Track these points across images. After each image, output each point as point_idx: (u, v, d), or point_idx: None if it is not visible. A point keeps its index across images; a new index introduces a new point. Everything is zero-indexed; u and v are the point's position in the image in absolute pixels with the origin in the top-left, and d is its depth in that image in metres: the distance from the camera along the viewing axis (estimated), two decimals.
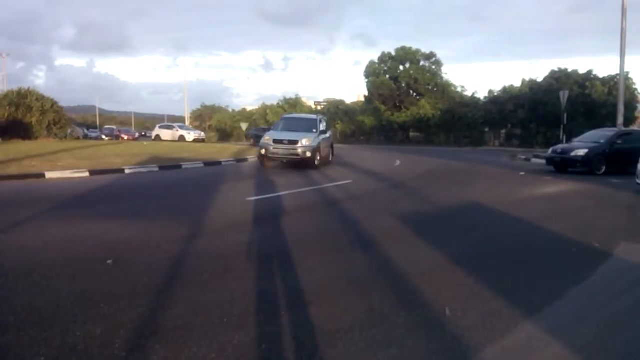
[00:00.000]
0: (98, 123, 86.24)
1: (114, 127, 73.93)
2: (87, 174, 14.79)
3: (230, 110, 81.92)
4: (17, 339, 3.61)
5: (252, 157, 23.67)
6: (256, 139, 37.42)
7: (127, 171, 16.16)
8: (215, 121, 76.11)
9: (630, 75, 41.76)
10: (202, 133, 49.54)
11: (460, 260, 5.97)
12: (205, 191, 11.99)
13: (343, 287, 4.97)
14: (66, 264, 5.52)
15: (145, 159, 20.14)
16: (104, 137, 61.66)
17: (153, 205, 10.20)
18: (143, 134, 70.89)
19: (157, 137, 47.19)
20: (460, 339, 3.77)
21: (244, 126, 59.88)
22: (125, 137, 58.78)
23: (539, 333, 3.93)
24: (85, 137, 56.73)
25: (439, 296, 4.70)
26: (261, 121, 68.14)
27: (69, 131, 43.49)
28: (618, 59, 23.71)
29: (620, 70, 24.15)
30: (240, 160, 22.40)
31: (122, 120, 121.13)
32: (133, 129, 78.34)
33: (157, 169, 17.41)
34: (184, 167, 18.60)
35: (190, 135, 46.02)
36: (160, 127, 49.99)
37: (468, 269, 5.63)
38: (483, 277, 5.32)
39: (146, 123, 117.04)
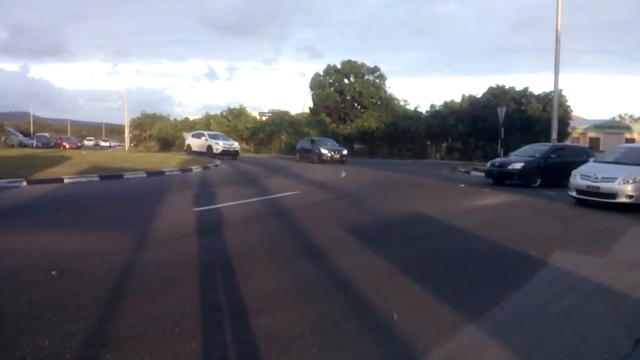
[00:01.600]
0: (32, 130, 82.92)
1: (47, 134, 70.86)
2: (24, 183, 14.30)
3: (172, 119, 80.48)
4: None
5: (196, 168, 23.43)
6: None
7: (66, 181, 15.70)
8: (156, 130, 74.56)
9: (563, 93, 43.92)
10: (235, 143, 40.37)
11: (406, 269, 6.17)
12: (150, 201, 11.81)
13: (294, 296, 5.05)
14: (8, 276, 5.37)
15: (86, 168, 19.61)
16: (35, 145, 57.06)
17: (98, 215, 9.97)
18: (81, 143, 68.86)
19: (189, 147, 39.16)
20: (408, 343, 3.93)
21: (186, 135, 59.00)
22: (67, 145, 55.44)
23: (481, 336, 4.14)
24: (21, 144, 54.41)
25: (386, 303, 4.85)
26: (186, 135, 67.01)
27: (3, 138, 41.75)
28: (552, 76, 24.92)
29: (555, 89, 25.33)
30: (184, 170, 22.11)
31: (58, 127, 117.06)
32: (69, 135, 75.66)
33: (97, 178, 16.98)
34: (125, 177, 18.22)
35: (218, 146, 36.62)
36: (193, 136, 40.58)
37: (413, 276, 5.83)
38: (428, 284, 5.52)
39: (83, 131, 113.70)
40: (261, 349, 3.75)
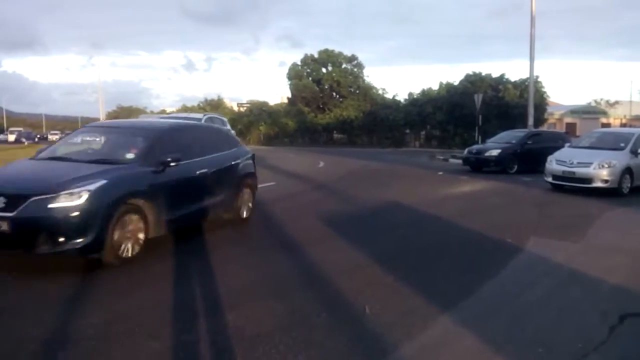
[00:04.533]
0: (5, 125, 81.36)
1: (21, 129, 69.78)
2: None
3: (149, 111, 79.52)
4: None
5: None
6: None
7: None
8: None
9: (539, 79, 44.18)
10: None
11: (381, 259, 6.07)
12: None
13: (264, 291, 4.92)
14: None
15: None
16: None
17: None
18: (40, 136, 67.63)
19: None
20: (380, 337, 3.83)
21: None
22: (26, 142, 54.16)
23: (455, 327, 4.05)
24: None
25: (359, 295, 4.74)
26: None
27: None
28: (528, 63, 25.00)
29: (530, 75, 25.42)
30: None
31: (32, 122, 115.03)
32: (44, 131, 74.41)
33: None
34: None
35: None
36: None
37: (388, 267, 5.73)
38: (402, 275, 5.42)
39: (58, 125, 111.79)
40: (228, 347, 3.62)
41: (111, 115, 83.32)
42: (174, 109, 74.33)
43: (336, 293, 4.87)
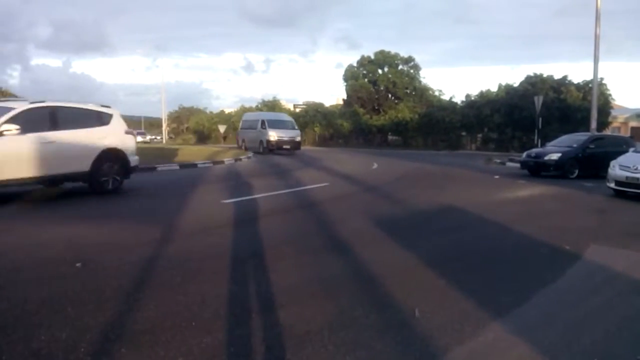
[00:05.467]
0: None
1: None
2: None
3: (209, 112, 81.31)
4: None
5: (228, 159, 23.58)
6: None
7: None
8: (193, 123, 75.52)
9: (604, 81, 42.57)
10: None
11: (433, 263, 6.01)
12: (180, 193, 11.88)
13: (315, 290, 4.96)
14: (34, 267, 5.43)
15: None
16: None
17: (126, 207, 10.08)
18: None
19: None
20: (429, 341, 3.80)
21: (221, 128, 59.52)
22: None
23: (506, 334, 3.97)
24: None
25: (409, 298, 4.72)
26: (239, 123, 67.68)
27: None
28: (592, 64, 24.16)
29: (594, 76, 24.56)
30: (216, 162, 22.26)
31: None
32: None
33: None
34: (159, 169, 18.43)
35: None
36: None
37: (440, 271, 5.67)
38: (454, 279, 5.36)
39: None
40: (277, 344, 3.67)
41: (173, 116, 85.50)
42: (232, 110, 75.77)
43: (386, 295, 4.86)
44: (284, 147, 31.54)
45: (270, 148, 31.09)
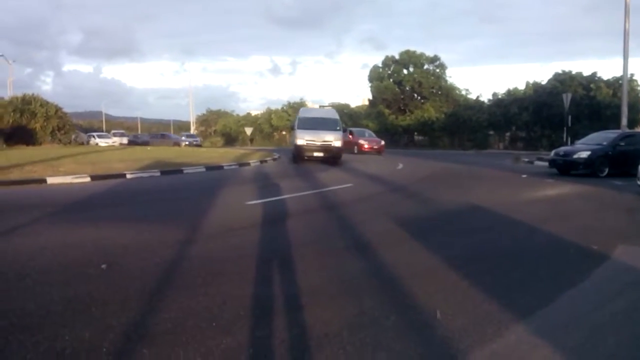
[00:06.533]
0: (104, 128, 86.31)
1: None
2: (88, 179, 14.84)
3: (235, 114, 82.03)
4: (5, 343, 3.61)
5: (254, 162, 23.71)
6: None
7: (128, 176, 16.20)
8: (221, 126, 76.32)
9: (634, 77, 41.66)
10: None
11: (457, 263, 5.95)
12: (205, 195, 12.00)
13: (336, 291, 4.95)
14: (60, 269, 5.54)
15: (148, 163, 20.19)
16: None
17: (152, 209, 10.21)
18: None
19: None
20: (450, 342, 3.76)
21: (248, 130, 59.93)
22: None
23: (529, 336, 3.90)
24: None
25: (431, 299, 4.68)
26: (266, 125, 68.17)
27: (73, 137, 43.64)
28: (622, 61, 23.65)
29: (624, 72, 24.05)
30: (242, 164, 22.41)
31: (129, 125, 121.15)
32: (140, 133, 77.22)
33: (158, 173, 17.42)
34: (185, 171, 18.63)
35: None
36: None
37: (463, 272, 5.61)
38: (478, 280, 5.29)
39: (152, 128, 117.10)
40: (297, 345, 3.68)
41: (201, 119, 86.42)
42: (258, 112, 76.34)
43: (407, 296, 4.82)
44: (315, 155, 23.18)
45: (299, 155, 23.56)
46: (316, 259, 6.18)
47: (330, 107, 37.37)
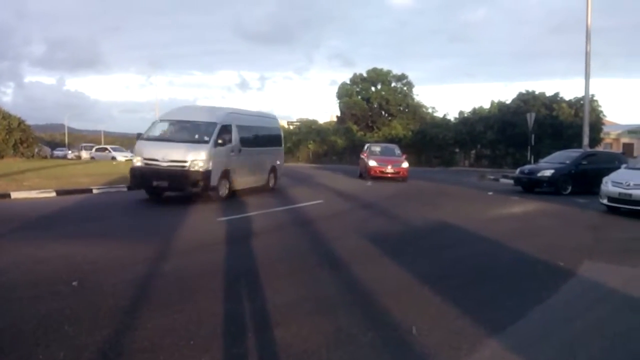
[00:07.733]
0: (67, 141, 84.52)
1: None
2: (53, 194, 14.53)
3: None
4: None
5: None
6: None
7: (95, 191, 15.91)
8: None
9: (595, 98, 43.01)
10: None
11: (428, 280, 6.04)
12: (176, 213, 11.88)
13: (311, 308, 4.98)
14: (30, 286, 5.42)
15: (115, 178, 19.86)
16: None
17: (121, 225, 10.06)
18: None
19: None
20: (426, 358, 3.82)
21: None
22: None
23: (503, 351, 4.00)
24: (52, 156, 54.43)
25: (406, 316, 4.74)
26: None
27: (36, 150, 42.60)
28: (584, 81, 24.39)
29: (585, 92, 24.80)
30: None
31: (92, 138, 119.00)
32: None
33: (125, 188, 17.13)
34: None
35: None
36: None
37: (435, 288, 5.70)
38: (450, 296, 5.39)
39: (116, 142, 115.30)
40: None
41: None
42: None
43: (383, 312, 4.88)
44: (155, 184, 13.59)
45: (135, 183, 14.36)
46: (290, 276, 6.20)
47: (214, 106, 17.47)
